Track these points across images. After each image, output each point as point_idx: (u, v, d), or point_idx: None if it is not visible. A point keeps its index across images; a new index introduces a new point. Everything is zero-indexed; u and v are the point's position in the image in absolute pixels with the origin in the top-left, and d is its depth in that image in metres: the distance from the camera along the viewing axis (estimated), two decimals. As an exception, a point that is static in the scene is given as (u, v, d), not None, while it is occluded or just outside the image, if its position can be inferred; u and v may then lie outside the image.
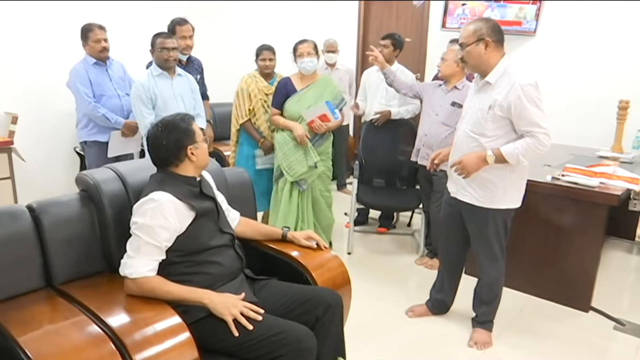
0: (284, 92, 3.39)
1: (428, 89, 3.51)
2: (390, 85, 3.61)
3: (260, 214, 3.95)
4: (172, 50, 3.16)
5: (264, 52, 3.61)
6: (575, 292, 3.02)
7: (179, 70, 3.32)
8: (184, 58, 3.62)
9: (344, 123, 4.23)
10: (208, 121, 3.75)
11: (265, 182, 3.71)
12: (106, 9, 4.11)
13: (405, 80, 3.67)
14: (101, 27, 3.51)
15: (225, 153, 4.33)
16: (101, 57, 3.54)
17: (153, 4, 4.44)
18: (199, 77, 3.69)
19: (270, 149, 3.64)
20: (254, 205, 2.55)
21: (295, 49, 3.37)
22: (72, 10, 3.93)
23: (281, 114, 3.41)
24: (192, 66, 3.69)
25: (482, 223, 2.50)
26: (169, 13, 4.46)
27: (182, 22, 3.53)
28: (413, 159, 3.59)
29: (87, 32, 3.48)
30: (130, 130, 3.55)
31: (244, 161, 3.71)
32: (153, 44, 3.18)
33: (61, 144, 4.05)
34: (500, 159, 2.32)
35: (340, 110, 3.49)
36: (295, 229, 3.37)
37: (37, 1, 3.72)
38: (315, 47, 3.37)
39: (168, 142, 1.86)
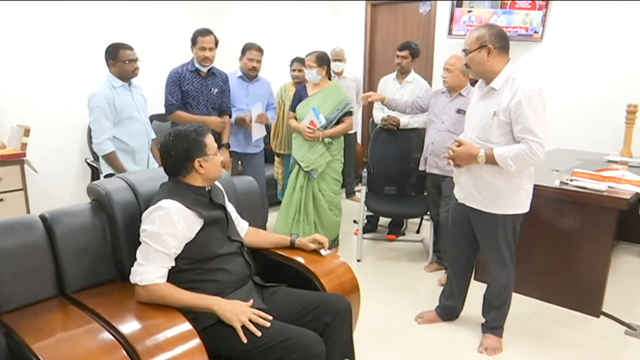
0: (298, 96, 3.81)
1: (431, 99, 3.52)
2: (394, 110, 3.80)
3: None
4: (137, 61, 3.11)
5: (294, 64, 4.22)
6: (585, 297, 3.00)
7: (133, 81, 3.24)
8: (204, 70, 3.50)
9: (351, 131, 4.24)
10: (226, 145, 3.66)
11: None
12: (119, 24, 4.18)
13: (418, 91, 3.93)
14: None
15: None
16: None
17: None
18: (216, 91, 3.56)
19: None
20: (262, 214, 2.58)
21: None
22: (84, 23, 3.99)
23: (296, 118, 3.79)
24: (213, 79, 3.57)
25: (492, 229, 2.49)
26: (170, 22, 4.52)
27: (204, 32, 3.43)
28: (421, 168, 3.58)
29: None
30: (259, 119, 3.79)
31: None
32: (115, 56, 3.06)
33: (73, 155, 4.11)
34: (491, 160, 2.33)
35: (348, 115, 3.70)
36: (293, 222, 3.65)
37: (47, 13, 3.79)
38: (318, 59, 3.61)
39: (176, 152, 1.88)
